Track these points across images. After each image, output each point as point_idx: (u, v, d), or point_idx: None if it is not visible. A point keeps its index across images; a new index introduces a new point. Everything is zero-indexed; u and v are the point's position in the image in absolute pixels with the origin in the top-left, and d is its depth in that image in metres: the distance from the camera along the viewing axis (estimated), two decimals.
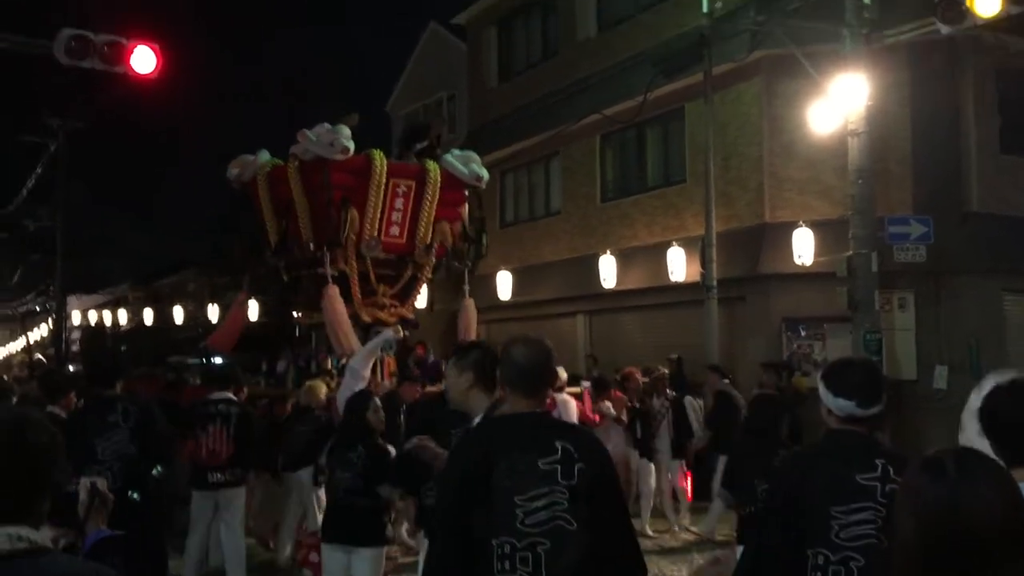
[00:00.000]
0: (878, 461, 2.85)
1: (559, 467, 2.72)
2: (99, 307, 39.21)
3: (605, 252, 15.65)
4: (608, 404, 9.78)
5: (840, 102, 10.92)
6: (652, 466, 10.08)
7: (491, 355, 3.48)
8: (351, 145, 9.38)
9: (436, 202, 10.09)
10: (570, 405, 8.96)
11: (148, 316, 33.24)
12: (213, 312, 26.34)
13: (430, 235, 10.14)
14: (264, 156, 10.11)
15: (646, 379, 10.55)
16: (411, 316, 10.53)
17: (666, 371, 10.91)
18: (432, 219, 10.14)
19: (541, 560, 2.66)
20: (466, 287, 10.89)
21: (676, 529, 10.13)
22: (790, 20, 11.61)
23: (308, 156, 9.48)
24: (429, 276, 10.57)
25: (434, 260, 10.39)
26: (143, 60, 9.26)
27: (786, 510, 2.92)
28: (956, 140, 13.56)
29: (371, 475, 5.65)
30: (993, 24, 9.97)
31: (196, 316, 30.49)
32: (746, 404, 8.12)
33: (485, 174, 10.53)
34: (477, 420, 3.32)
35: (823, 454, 3.08)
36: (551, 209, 18.81)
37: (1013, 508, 1.49)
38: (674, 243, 14.31)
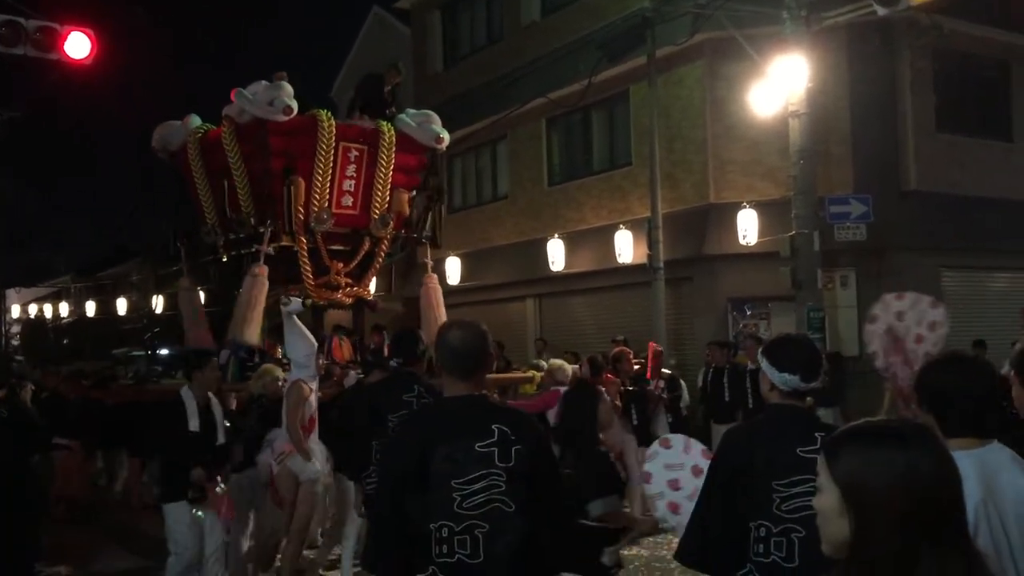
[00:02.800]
0: (818, 434, 2.88)
1: (496, 450, 2.72)
2: (40, 300, 38.37)
3: (553, 236, 15.69)
4: (601, 388, 9.20)
5: (781, 84, 11.03)
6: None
7: None
8: (294, 104, 8.45)
9: (392, 167, 9.22)
10: None
11: (91, 308, 32.55)
12: (158, 303, 25.86)
13: (386, 205, 9.20)
14: (195, 121, 9.23)
15: (639, 359, 9.83)
16: (369, 296, 9.75)
17: (660, 348, 10.37)
18: (388, 187, 9.23)
19: (479, 543, 2.66)
20: (428, 262, 10.13)
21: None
22: (730, 3, 11.68)
23: (245, 118, 8.55)
24: (386, 251, 9.75)
25: (391, 233, 9.48)
26: (77, 45, 8.93)
27: (729, 483, 2.95)
28: (894, 120, 13.81)
29: None
30: (927, 5, 10.14)
31: (140, 307, 29.95)
32: None
33: (445, 134, 9.61)
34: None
35: (765, 428, 3.11)
36: (498, 193, 18.79)
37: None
38: (621, 225, 14.40)
